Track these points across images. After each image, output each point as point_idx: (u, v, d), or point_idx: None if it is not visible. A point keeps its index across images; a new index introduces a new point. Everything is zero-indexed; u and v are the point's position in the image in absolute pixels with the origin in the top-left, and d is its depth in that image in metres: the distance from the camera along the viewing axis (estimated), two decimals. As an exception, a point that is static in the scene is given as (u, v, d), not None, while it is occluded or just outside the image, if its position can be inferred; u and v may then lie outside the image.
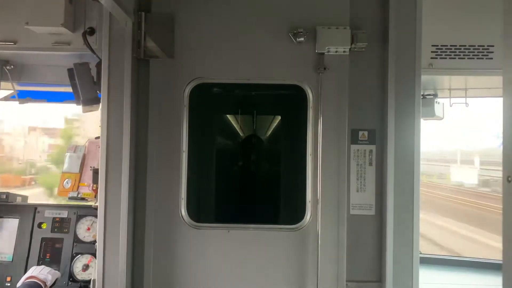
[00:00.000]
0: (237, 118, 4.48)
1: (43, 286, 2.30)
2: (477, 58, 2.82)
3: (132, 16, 2.39)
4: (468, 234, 13.02)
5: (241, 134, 4.57)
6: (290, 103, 3.18)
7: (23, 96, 3.25)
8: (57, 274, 2.49)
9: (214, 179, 3.77)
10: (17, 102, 3.22)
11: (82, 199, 2.95)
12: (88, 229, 2.88)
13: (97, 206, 2.46)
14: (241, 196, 3.87)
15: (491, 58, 2.80)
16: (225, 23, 2.56)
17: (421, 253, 2.61)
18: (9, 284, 2.76)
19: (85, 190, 2.95)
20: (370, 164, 2.61)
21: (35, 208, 2.95)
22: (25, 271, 2.56)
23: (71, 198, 2.94)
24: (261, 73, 2.57)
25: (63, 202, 3.04)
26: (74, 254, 2.83)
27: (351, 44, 2.49)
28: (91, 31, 2.53)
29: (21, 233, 2.89)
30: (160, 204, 2.53)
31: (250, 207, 3.74)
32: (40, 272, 2.38)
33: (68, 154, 3.03)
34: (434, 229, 12.86)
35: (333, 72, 2.52)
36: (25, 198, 3.24)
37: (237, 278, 2.52)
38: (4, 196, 3.03)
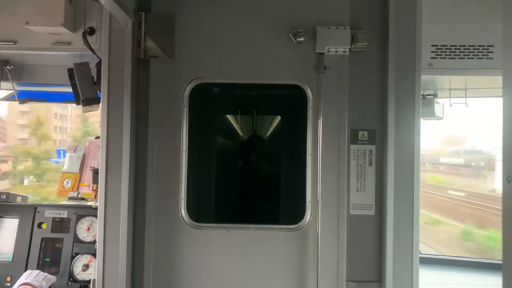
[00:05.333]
0: (237, 118, 4.48)
1: None
2: (477, 58, 2.81)
3: (132, 16, 2.39)
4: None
5: (241, 134, 4.57)
6: (290, 103, 3.18)
7: (23, 96, 3.25)
8: (53, 279, 2.42)
9: (214, 179, 3.77)
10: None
11: (82, 199, 2.95)
12: (88, 229, 2.88)
13: (97, 206, 2.46)
14: (241, 196, 3.87)
15: (491, 58, 2.79)
16: (225, 23, 2.56)
17: (421, 253, 2.61)
18: (9, 284, 2.77)
19: (85, 190, 2.95)
20: (370, 164, 2.61)
21: (35, 208, 2.95)
22: (25, 271, 2.55)
23: (71, 198, 2.94)
24: (261, 73, 2.57)
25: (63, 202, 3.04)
26: (74, 254, 2.83)
27: (351, 44, 2.49)
28: (91, 31, 2.53)
29: (21, 233, 2.89)
30: (160, 204, 2.53)
31: (250, 207, 3.74)
32: (34, 278, 2.31)
33: (68, 154, 3.03)
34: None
35: (333, 72, 2.52)
36: (25, 198, 3.24)
37: (237, 278, 2.52)
38: (4, 196, 3.03)
